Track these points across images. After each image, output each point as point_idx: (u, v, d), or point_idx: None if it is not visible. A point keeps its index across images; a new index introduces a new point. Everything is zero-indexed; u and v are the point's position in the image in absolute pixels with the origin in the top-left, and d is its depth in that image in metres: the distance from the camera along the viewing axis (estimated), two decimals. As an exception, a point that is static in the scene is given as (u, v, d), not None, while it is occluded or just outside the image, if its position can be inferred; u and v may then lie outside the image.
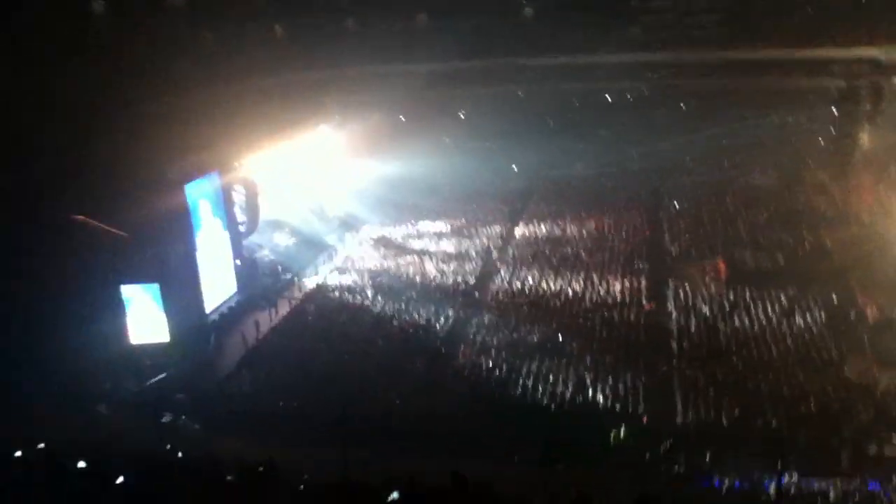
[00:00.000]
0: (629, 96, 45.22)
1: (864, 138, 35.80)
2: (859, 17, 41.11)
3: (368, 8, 47.49)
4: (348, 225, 34.02)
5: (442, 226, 33.99)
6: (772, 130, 40.67)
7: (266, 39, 41.28)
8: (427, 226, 34.24)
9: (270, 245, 29.06)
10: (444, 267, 29.00)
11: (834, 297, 23.48)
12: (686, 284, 25.60)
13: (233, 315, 25.49)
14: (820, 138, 37.65)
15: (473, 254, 30.21)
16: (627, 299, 25.09)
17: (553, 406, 19.24)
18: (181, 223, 23.86)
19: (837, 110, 36.86)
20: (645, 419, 18.52)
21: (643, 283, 26.28)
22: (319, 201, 32.78)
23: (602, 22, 45.15)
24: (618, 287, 25.96)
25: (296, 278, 28.21)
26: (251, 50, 38.15)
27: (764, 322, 22.66)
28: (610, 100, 45.61)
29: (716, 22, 44.38)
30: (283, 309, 26.00)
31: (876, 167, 34.26)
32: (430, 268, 28.99)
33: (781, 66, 40.71)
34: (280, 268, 28.43)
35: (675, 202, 34.23)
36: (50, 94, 26.22)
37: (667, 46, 43.91)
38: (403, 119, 42.93)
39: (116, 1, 31.75)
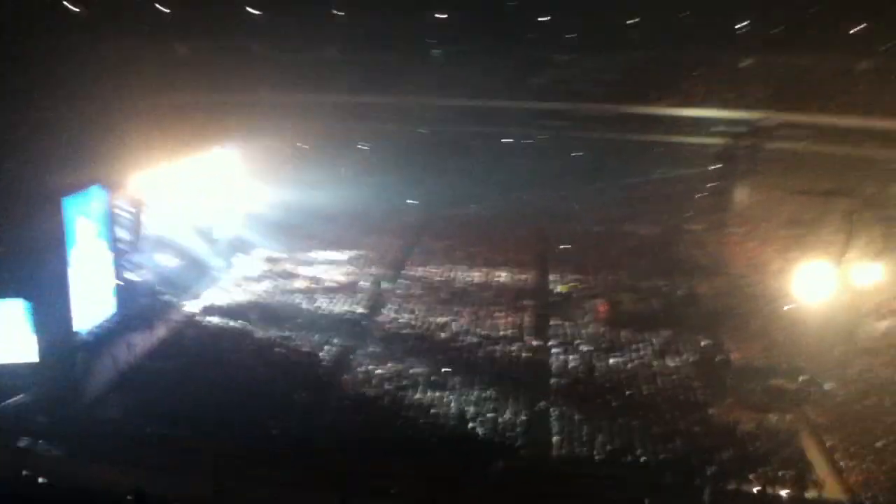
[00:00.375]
0: (527, 143, 47.02)
1: (739, 195, 38.37)
2: (738, 81, 44.61)
3: (275, 36, 47.68)
4: (238, 248, 33.25)
5: (335, 255, 33.80)
6: (656, 184, 42.93)
7: (166, 58, 40.53)
8: (320, 254, 33.98)
9: (153, 265, 27.94)
10: (334, 295, 28.86)
11: (703, 341, 24.86)
12: (567, 324, 26.58)
13: (107, 336, 24.24)
14: (699, 194, 39.93)
15: (364, 284, 30.17)
16: (511, 335, 25.67)
17: (434, 439, 19.30)
18: (55, 238, 22.62)
19: (716, 168, 39.45)
20: (522, 453, 18.89)
21: (527, 320, 27.01)
22: (210, 223, 31.89)
23: (506, 69, 46.98)
24: (503, 322, 26.59)
25: (177, 300, 27.25)
26: (148, 66, 37.30)
27: (638, 363, 23.69)
28: (508, 145, 47.26)
29: (613, 80, 47.05)
30: (161, 332, 25.06)
31: (748, 223, 36.77)
32: (320, 296, 28.76)
33: (669, 123, 43.41)
34: (161, 289, 27.38)
35: (563, 246, 35.37)
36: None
37: (566, 98, 46.18)
38: (304, 147, 42.86)
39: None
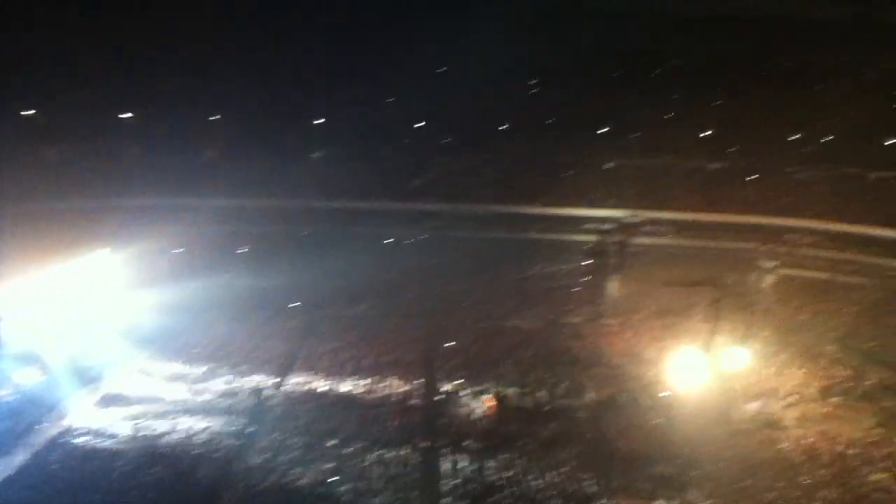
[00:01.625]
0: (411, 242, 47.80)
1: (612, 288, 40.20)
2: (608, 181, 47.68)
3: (152, 140, 47.17)
4: (113, 359, 31.32)
5: (214, 364, 32.39)
6: (537, 280, 44.36)
7: (35, 162, 39.18)
8: (198, 363, 32.45)
9: (13, 383, 25.92)
10: (212, 409, 27.55)
11: (587, 433, 25.39)
12: (456, 422, 26.51)
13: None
14: (575, 288, 41.55)
15: (245, 396, 29.03)
16: (400, 438, 25.26)
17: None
18: None
19: (589, 263, 41.38)
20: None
21: (416, 421, 26.72)
22: (79, 334, 30.11)
23: (386, 172, 48.24)
24: (391, 425, 26.15)
25: (40, 422, 25.26)
26: (15, 172, 35.94)
27: (526, 458, 23.83)
28: (393, 245, 47.84)
29: (493, 179, 49.22)
30: (21, 457, 23.05)
31: (622, 314, 38.43)
32: (197, 411, 27.37)
33: (545, 221, 45.51)
34: (23, 408, 25.37)
35: (450, 343, 35.55)
36: None
37: (447, 198, 47.69)
38: (182, 253, 41.72)
39: None
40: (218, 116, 51.33)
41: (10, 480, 21.99)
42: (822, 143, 47.02)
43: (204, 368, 31.79)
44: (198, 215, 43.37)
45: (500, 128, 50.45)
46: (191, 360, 32.64)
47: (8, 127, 43.06)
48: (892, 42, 46.74)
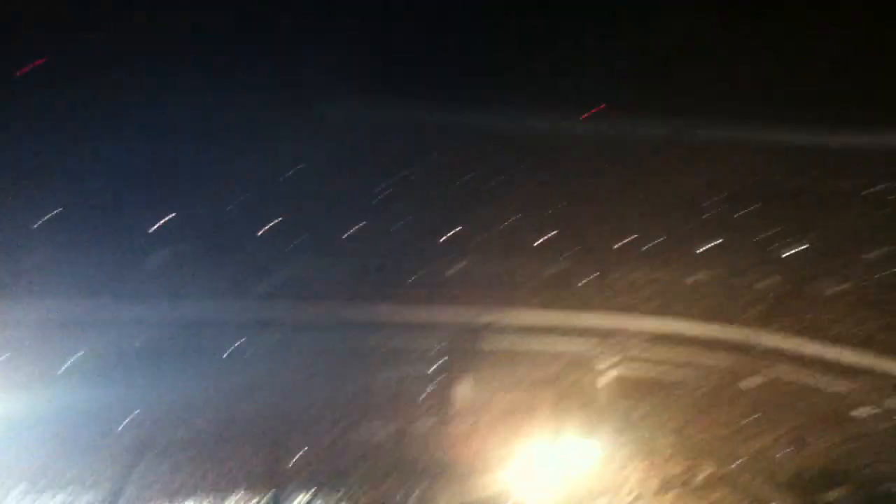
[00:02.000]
0: (251, 351, 45.96)
1: (460, 392, 40.46)
2: (461, 283, 48.58)
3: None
4: None
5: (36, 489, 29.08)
6: (385, 387, 43.78)
7: None
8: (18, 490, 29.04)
9: None
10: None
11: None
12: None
13: None
14: (423, 394, 41.45)
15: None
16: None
17: None
18: None
19: (438, 367, 41.61)
20: None
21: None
22: None
23: (218, 274, 46.66)
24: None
25: None
26: None
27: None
28: (227, 352, 45.75)
29: (335, 286, 48.72)
30: None
31: (469, 419, 38.62)
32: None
33: (394, 325, 45.45)
34: None
35: (295, 456, 34.18)
36: None
37: (291, 303, 46.61)
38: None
39: None
40: (59, 210, 47.76)
41: None
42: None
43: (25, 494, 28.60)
44: (19, 325, 39.76)
45: (349, 231, 50.61)
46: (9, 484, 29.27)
47: None
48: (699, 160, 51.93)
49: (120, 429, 37.09)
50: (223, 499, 29.13)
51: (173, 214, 50.44)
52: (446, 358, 41.29)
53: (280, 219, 51.13)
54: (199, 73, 46.87)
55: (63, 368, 41.32)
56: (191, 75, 47.47)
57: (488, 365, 41.23)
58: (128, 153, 49.27)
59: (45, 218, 47.38)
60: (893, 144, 45.88)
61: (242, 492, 29.90)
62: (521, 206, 54.00)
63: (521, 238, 50.66)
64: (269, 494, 27.65)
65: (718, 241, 48.02)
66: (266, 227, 51.32)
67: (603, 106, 52.74)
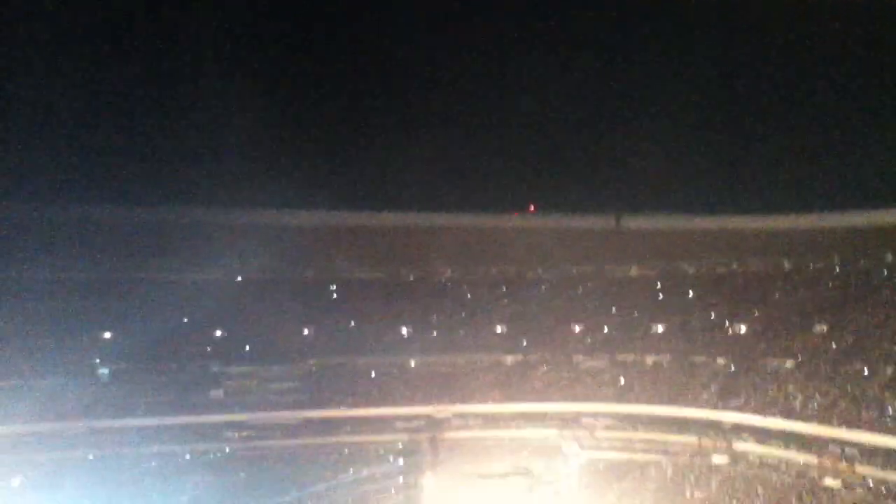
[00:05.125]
0: (209, 457, 44.23)
1: (426, 487, 39.45)
2: (409, 380, 48.20)
3: None
4: None
5: None
6: (349, 486, 42.40)
7: None
8: None
9: None
10: None
11: None
12: None
13: None
14: (388, 491, 40.32)
15: None
16: None
17: None
18: None
19: (402, 462, 40.71)
20: None
21: None
22: None
23: (183, 384, 45.40)
24: None
25: None
26: None
27: None
28: (189, 459, 43.94)
29: (291, 388, 47.88)
30: None
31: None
32: None
33: (353, 424, 44.61)
34: None
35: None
36: None
37: (248, 408, 45.44)
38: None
39: None
40: None
41: None
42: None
43: None
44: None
45: (301, 335, 50.40)
46: None
47: None
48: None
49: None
50: None
51: (112, 334, 49.63)
52: (412, 451, 40.56)
53: (225, 333, 51.00)
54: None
55: (9, 491, 39.08)
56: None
57: (456, 455, 40.61)
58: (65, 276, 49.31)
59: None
60: (826, 225, 48.53)
61: None
62: (475, 300, 55.27)
63: (476, 328, 51.44)
64: None
65: (673, 324, 49.32)
66: (215, 335, 51.17)
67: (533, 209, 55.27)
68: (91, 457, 41.97)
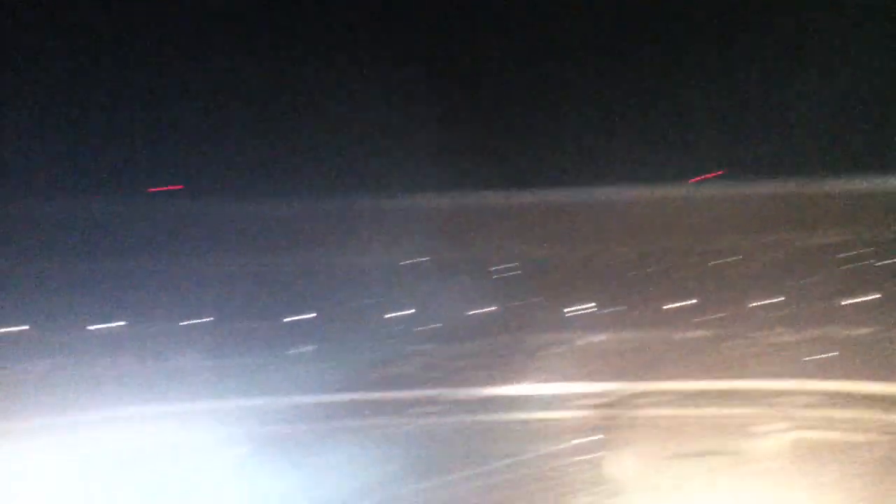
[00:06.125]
0: (397, 432, 45.71)
1: (618, 465, 38.71)
2: (586, 356, 47.52)
3: (124, 349, 45.69)
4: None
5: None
6: (536, 463, 41.91)
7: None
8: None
9: None
10: None
11: None
12: None
13: None
14: (578, 468, 39.72)
15: None
16: None
17: None
18: None
19: (589, 440, 40.17)
20: None
21: None
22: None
23: (369, 362, 47.39)
24: None
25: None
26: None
27: None
28: (379, 437, 45.56)
29: (477, 364, 48.65)
30: None
31: (635, 494, 36.73)
32: None
33: (538, 401, 44.61)
34: None
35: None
36: None
37: (433, 384, 46.79)
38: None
39: None
40: (194, 321, 50.59)
41: None
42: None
43: None
44: (180, 421, 41.22)
45: (480, 311, 50.79)
46: None
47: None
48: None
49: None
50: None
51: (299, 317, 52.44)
52: (600, 428, 39.85)
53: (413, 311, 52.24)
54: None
55: (225, 461, 42.35)
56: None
57: (645, 435, 39.63)
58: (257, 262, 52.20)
59: (184, 325, 50.06)
60: None
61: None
62: (649, 275, 53.45)
63: (654, 302, 49.79)
64: None
65: (874, 296, 45.72)
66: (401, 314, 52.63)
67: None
68: (287, 431, 44.74)
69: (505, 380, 45.82)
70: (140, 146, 49.30)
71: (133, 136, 49.20)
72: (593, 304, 49.14)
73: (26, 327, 44.73)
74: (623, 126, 52.19)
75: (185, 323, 49.10)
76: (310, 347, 49.15)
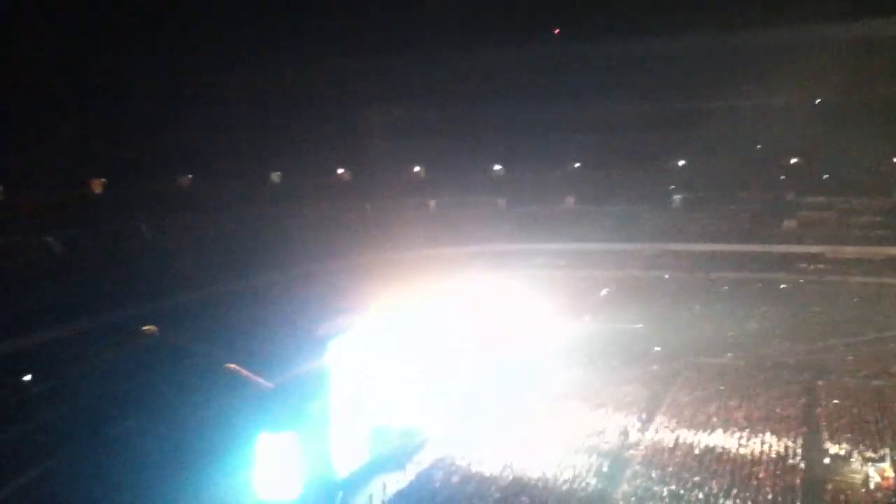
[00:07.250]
0: (781, 288, 44.00)
1: None
2: None
3: (515, 191, 50.52)
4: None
5: (574, 406, 32.37)
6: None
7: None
8: (556, 405, 32.59)
9: (395, 410, 28.43)
10: (578, 445, 27.75)
11: None
12: (848, 491, 23.13)
13: (361, 475, 25.24)
14: None
15: (610, 437, 28.64)
16: (780, 502, 22.75)
17: None
18: (320, 378, 24.33)
19: None
20: None
21: (798, 484, 23.86)
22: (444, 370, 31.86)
23: (756, 213, 45.20)
24: (768, 488, 23.65)
25: (422, 444, 27.75)
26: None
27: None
28: (759, 291, 44.42)
29: (873, 223, 43.51)
30: (412, 472, 25.54)
31: None
32: (562, 446, 27.67)
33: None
34: (413, 430, 28.12)
35: (835, 401, 31.40)
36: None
37: (820, 241, 43.48)
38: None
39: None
40: (578, 165, 53.41)
41: (402, 493, 24.43)
42: None
43: (567, 408, 31.94)
44: (550, 259, 45.53)
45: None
46: (549, 400, 33.05)
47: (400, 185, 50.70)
48: None
49: (648, 358, 39.05)
50: (748, 430, 28.21)
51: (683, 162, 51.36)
52: None
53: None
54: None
55: (596, 300, 45.75)
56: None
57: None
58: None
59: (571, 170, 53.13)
60: None
61: (773, 430, 28.55)
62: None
63: None
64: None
65: None
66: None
67: None
68: (666, 276, 45.83)
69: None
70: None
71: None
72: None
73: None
74: None
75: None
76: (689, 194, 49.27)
